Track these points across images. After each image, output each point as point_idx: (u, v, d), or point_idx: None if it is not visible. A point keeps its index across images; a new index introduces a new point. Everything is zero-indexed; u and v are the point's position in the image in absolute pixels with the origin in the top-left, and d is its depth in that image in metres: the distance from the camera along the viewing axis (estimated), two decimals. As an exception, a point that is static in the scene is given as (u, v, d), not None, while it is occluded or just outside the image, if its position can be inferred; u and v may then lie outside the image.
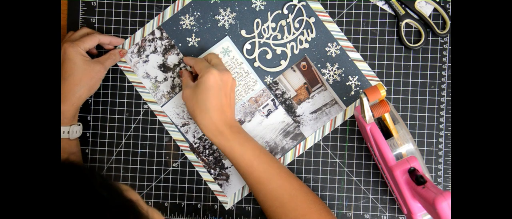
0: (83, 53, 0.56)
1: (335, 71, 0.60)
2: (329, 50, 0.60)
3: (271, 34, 0.61)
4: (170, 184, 0.62)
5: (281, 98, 0.61)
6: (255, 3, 0.61)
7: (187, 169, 0.61)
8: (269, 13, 0.60)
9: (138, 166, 0.62)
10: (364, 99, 0.50)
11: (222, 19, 0.61)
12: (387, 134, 0.53)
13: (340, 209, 0.60)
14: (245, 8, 0.61)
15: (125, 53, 0.61)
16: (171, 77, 0.61)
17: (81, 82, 0.55)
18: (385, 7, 0.60)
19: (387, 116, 0.52)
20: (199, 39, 0.61)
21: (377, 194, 0.60)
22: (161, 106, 0.61)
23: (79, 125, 0.58)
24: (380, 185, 0.60)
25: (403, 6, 0.60)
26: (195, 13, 0.61)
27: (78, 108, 0.57)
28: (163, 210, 0.61)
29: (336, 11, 0.60)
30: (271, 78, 0.61)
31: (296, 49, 0.60)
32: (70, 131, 0.56)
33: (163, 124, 0.61)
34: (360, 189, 0.60)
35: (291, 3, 0.60)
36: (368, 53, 0.60)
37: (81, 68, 0.55)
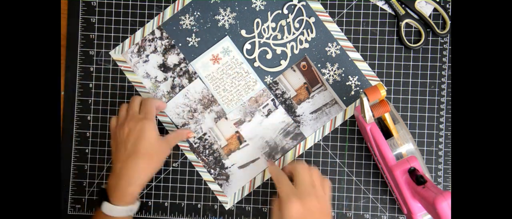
0: (157, 130, 0.54)
1: (335, 71, 0.60)
2: (329, 50, 0.60)
3: (271, 34, 0.61)
4: (170, 184, 0.62)
5: (281, 98, 0.61)
6: (255, 3, 0.61)
7: (187, 169, 0.61)
8: (269, 13, 0.60)
9: (138, 166, 0.62)
10: (364, 99, 0.50)
11: (222, 19, 0.61)
12: (387, 134, 0.53)
13: (340, 209, 0.60)
14: (245, 8, 0.61)
15: (191, 136, 0.59)
16: (171, 77, 0.61)
17: (152, 163, 0.53)
18: (385, 7, 0.60)
19: (387, 116, 0.52)
20: (199, 39, 0.61)
21: (377, 194, 0.60)
22: (161, 106, 0.61)
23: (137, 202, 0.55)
24: (380, 185, 0.60)
25: (403, 6, 0.60)
26: (195, 13, 0.61)
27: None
28: (163, 210, 0.61)
29: (336, 11, 0.60)
30: (271, 78, 0.61)
31: (296, 49, 0.60)
32: (132, 209, 0.53)
33: (163, 124, 0.61)
34: (360, 189, 0.60)
35: (291, 3, 0.60)
36: (368, 53, 0.60)
37: (155, 148, 0.53)
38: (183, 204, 0.62)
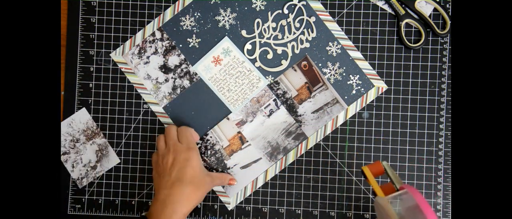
0: (201, 161, 0.55)
1: (336, 70, 0.60)
2: (330, 49, 0.60)
3: (271, 34, 0.61)
4: (170, 184, 0.62)
5: (282, 98, 0.61)
6: (255, 3, 0.61)
7: (188, 169, 0.61)
8: (269, 13, 0.60)
9: (138, 166, 0.62)
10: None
11: (223, 19, 0.61)
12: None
13: (340, 209, 0.60)
14: (245, 8, 0.61)
15: (234, 183, 0.59)
16: (172, 78, 0.61)
17: (197, 193, 0.52)
18: (385, 7, 0.60)
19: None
20: (199, 39, 0.61)
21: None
22: (163, 107, 0.61)
23: None
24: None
25: (403, 6, 0.60)
26: (195, 14, 0.61)
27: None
28: (164, 210, 0.61)
29: (336, 11, 0.60)
30: (272, 78, 0.61)
31: (297, 49, 0.60)
32: None
33: (164, 124, 0.61)
34: (360, 189, 0.60)
35: (291, 2, 0.60)
36: (368, 53, 0.60)
37: (200, 178, 0.53)
38: (183, 204, 0.61)
